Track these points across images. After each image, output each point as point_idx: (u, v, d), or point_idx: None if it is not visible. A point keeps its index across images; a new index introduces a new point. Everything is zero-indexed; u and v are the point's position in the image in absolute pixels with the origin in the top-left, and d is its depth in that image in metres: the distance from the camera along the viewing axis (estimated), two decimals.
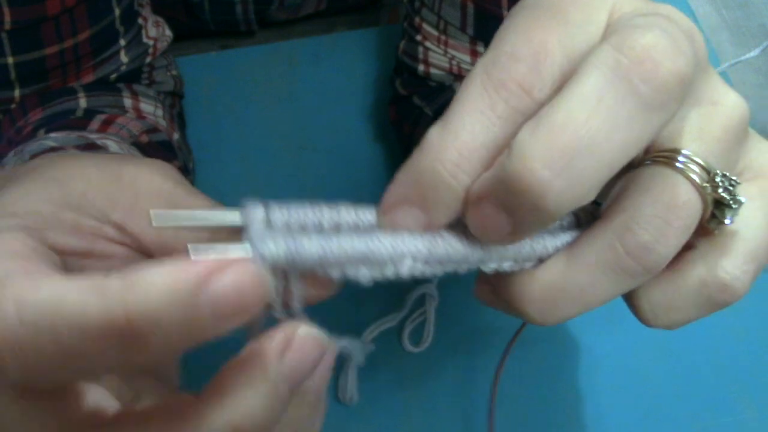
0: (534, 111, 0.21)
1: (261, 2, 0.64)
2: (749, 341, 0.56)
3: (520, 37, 0.22)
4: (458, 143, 0.22)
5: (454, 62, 0.53)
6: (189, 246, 0.20)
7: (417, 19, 0.54)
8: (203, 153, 0.61)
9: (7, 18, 0.43)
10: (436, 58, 0.53)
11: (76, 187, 0.27)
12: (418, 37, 0.54)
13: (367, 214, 0.24)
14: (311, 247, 0.22)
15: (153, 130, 0.49)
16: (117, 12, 0.48)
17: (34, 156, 0.39)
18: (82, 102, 0.48)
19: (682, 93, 0.21)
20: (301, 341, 0.23)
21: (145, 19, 0.52)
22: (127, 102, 0.50)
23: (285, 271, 0.22)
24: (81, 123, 0.45)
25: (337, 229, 0.23)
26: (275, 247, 0.21)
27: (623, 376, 0.54)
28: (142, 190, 0.27)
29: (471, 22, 0.51)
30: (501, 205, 0.21)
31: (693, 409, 0.54)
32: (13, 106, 0.48)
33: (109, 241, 0.27)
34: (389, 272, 0.23)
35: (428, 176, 0.22)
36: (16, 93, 0.47)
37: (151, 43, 0.52)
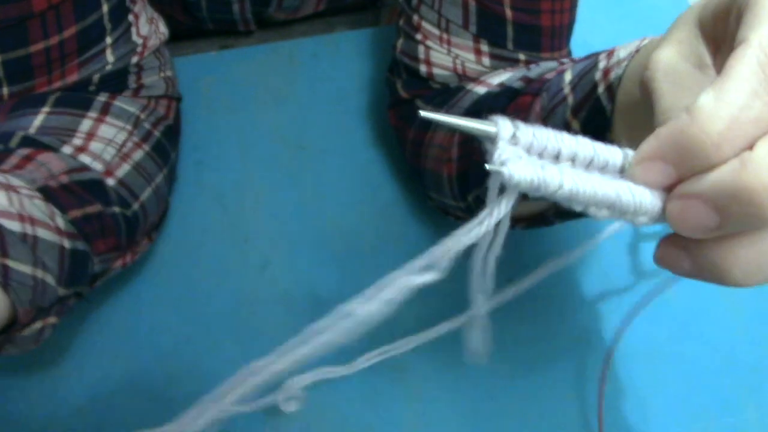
0: None
1: (258, 3, 0.63)
2: (751, 341, 0.56)
3: None
4: (728, 117, 0.22)
5: (458, 61, 0.52)
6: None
7: (416, 18, 0.53)
8: (203, 153, 0.61)
9: None
10: (439, 57, 0.52)
11: None
12: (418, 36, 0.53)
13: (603, 153, 0.25)
14: (566, 182, 0.23)
15: (80, 169, 0.46)
16: (105, 8, 0.47)
17: None
18: (39, 119, 0.47)
19: None
20: None
21: (137, 16, 0.51)
22: (86, 124, 0.48)
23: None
24: (1, 156, 0.44)
25: (572, 159, 0.25)
26: (527, 172, 0.23)
27: (624, 376, 0.54)
28: None
29: (473, 19, 0.50)
30: (716, 206, 0.23)
31: (694, 408, 0.54)
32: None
33: None
34: (625, 220, 0.25)
35: (691, 142, 0.23)
36: (5, 91, 0.47)
37: (140, 41, 0.51)
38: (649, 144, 0.24)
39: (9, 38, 0.44)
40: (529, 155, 0.24)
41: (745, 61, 0.22)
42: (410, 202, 0.60)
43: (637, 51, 0.35)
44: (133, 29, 0.51)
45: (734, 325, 0.56)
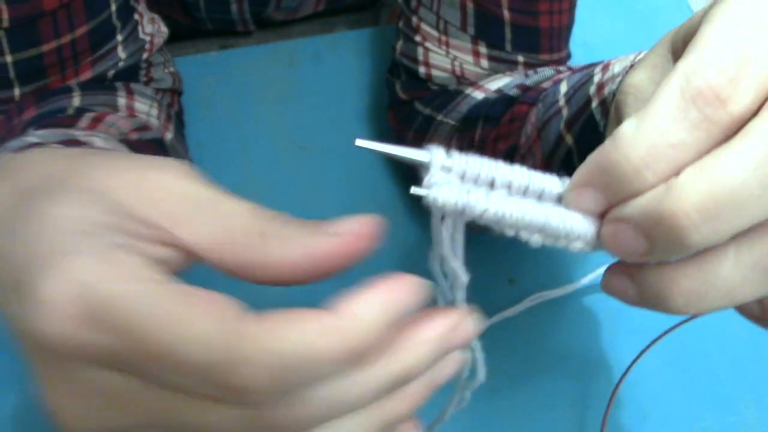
0: (727, 124, 0.22)
1: (257, 3, 0.63)
2: (752, 340, 0.56)
3: (723, 47, 0.23)
4: (648, 143, 0.23)
5: (456, 63, 0.52)
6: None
7: (415, 19, 0.53)
8: (203, 153, 0.61)
9: (5, 15, 0.42)
10: (438, 59, 0.52)
11: (119, 198, 0.25)
12: (417, 38, 0.53)
13: (539, 181, 0.26)
14: (492, 206, 0.24)
15: (144, 128, 0.48)
16: (114, 7, 0.48)
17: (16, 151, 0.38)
18: (76, 100, 0.47)
19: None
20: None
21: (141, 15, 0.51)
22: (122, 101, 0.50)
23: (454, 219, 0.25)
24: (70, 121, 0.45)
25: (508, 187, 0.25)
26: (451, 195, 0.24)
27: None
28: (170, 194, 0.27)
29: (471, 21, 0.50)
30: (643, 231, 0.23)
31: (695, 408, 0.54)
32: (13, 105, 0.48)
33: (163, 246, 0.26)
34: (561, 245, 0.25)
35: (614, 168, 0.23)
36: (16, 92, 0.47)
37: (147, 38, 0.51)
38: (580, 171, 0.25)
39: (20, 38, 0.44)
40: (464, 183, 0.25)
41: (667, 88, 0.23)
42: (410, 203, 0.60)
43: (631, 66, 0.35)
44: (139, 27, 0.51)
45: (734, 325, 0.56)
